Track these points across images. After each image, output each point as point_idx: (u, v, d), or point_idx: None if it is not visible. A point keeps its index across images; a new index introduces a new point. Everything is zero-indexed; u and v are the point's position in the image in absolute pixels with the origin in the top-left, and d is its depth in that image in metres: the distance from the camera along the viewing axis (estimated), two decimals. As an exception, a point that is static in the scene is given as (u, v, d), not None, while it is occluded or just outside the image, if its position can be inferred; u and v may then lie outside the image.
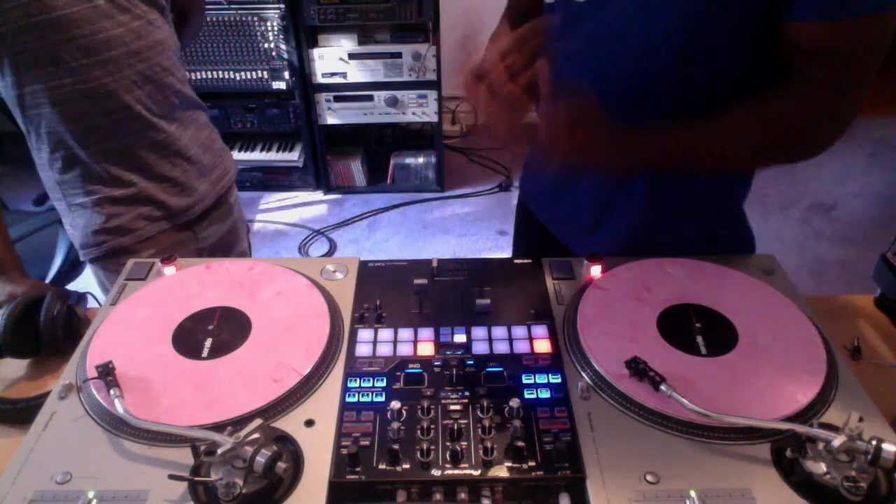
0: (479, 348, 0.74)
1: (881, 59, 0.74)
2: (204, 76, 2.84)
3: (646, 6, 0.78)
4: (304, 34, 2.72)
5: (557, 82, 0.92)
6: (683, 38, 0.78)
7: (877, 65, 0.74)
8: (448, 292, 0.83)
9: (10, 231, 1.10)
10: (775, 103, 0.78)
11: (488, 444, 0.61)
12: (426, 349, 0.74)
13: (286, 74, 2.84)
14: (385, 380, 0.70)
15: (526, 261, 0.88)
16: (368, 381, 0.70)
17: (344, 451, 0.61)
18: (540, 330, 0.76)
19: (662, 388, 0.65)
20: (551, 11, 0.90)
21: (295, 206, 3.16)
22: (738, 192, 0.97)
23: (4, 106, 1.07)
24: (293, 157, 3.07)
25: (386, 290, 0.83)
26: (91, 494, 0.58)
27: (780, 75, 0.83)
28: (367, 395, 0.68)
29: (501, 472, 0.60)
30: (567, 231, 1.06)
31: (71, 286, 1.14)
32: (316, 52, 2.77)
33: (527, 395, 0.67)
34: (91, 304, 0.95)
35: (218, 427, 0.61)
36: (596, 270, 0.85)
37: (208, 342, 0.75)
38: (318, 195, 3.22)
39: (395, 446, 0.61)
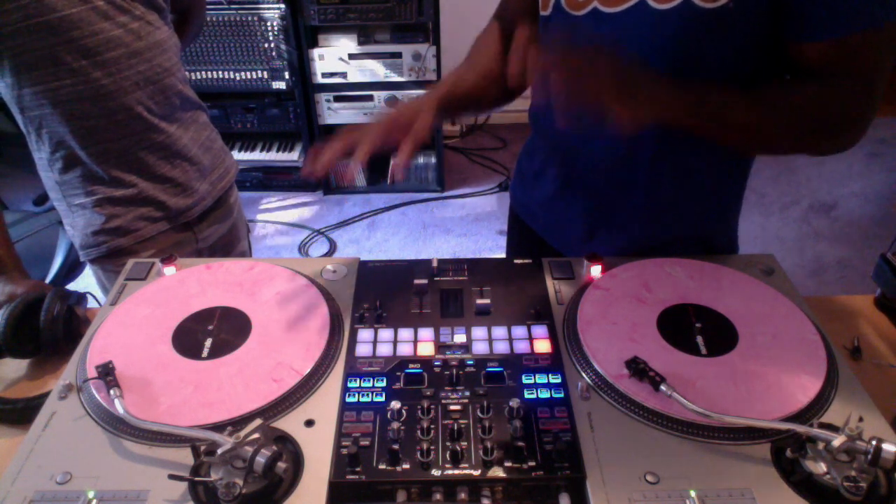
0: (479, 348, 0.74)
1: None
2: (204, 76, 2.84)
3: (645, 22, 0.77)
4: (304, 34, 2.72)
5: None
6: (682, 54, 0.77)
7: (892, 66, 0.75)
8: (448, 292, 0.83)
9: (10, 231, 1.10)
10: (813, 89, 0.76)
11: (488, 444, 0.61)
12: (426, 349, 0.74)
13: (286, 74, 2.84)
14: (385, 380, 0.70)
15: (526, 261, 0.88)
16: (368, 381, 0.70)
17: (344, 451, 0.61)
18: (540, 330, 0.76)
19: (662, 388, 0.65)
20: (547, 24, 0.89)
21: (295, 206, 3.16)
22: (733, 192, 0.97)
23: (4, 106, 1.07)
24: (293, 157, 3.07)
25: (386, 290, 0.83)
26: (91, 494, 0.58)
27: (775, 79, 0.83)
28: (367, 395, 0.68)
29: (501, 472, 0.60)
30: (560, 240, 1.05)
31: (71, 286, 1.14)
32: (316, 52, 2.77)
33: (527, 395, 0.67)
34: (91, 304, 0.95)
35: (218, 427, 0.61)
36: (596, 270, 0.85)
37: (208, 342, 0.75)
38: (318, 195, 3.22)
39: (395, 446, 0.61)
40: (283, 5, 2.67)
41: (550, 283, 0.85)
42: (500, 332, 0.76)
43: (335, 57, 2.78)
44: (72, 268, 1.81)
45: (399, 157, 0.75)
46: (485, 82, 0.97)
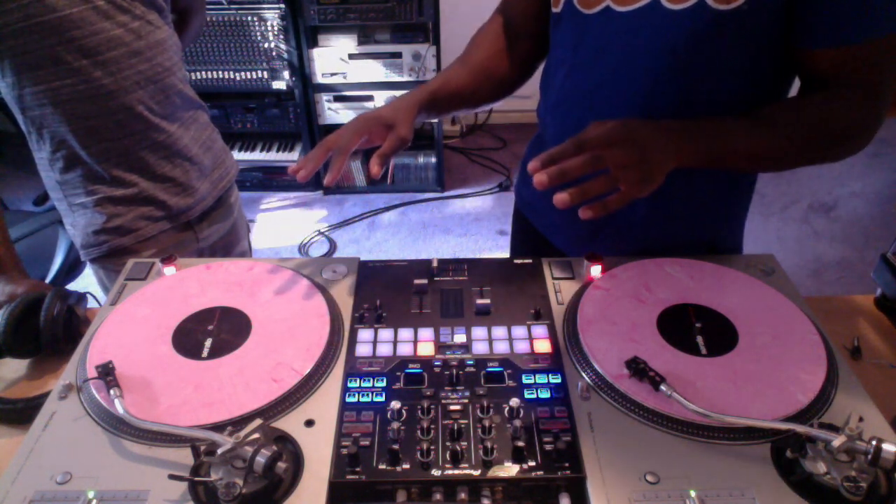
0: (479, 348, 0.74)
1: None
2: (204, 76, 2.84)
3: (657, 22, 0.77)
4: (304, 34, 2.72)
5: (563, 95, 0.92)
6: (693, 55, 0.77)
7: None
8: (448, 292, 0.83)
9: (10, 231, 1.10)
10: (819, 104, 0.77)
11: (488, 444, 0.61)
12: (426, 349, 0.74)
13: (286, 74, 2.84)
14: (385, 380, 0.70)
15: (526, 260, 0.88)
16: (368, 381, 0.70)
17: (344, 451, 0.61)
18: (540, 330, 0.76)
19: (662, 388, 0.65)
20: (558, 21, 0.89)
21: (295, 206, 3.16)
22: (740, 200, 0.97)
23: (4, 106, 1.07)
24: (293, 157, 3.07)
25: (386, 290, 0.83)
26: (91, 494, 0.58)
27: (784, 82, 0.83)
28: (367, 395, 0.68)
29: (501, 472, 0.60)
30: (564, 239, 1.05)
31: (71, 286, 1.14)
32: (316, 52, 2.77)
33: (527, 395, 0.67)
34: (91, 304, 0.95)
35: (218, 427, 0.61)
36: (596, 270, 0.85)
37: (208, 342, 0.75)
38: (318, 195, 3.22)
39: (395, 446, 0.61)
40: (283, 5, 2.67)
41: (550, 283, 0.85)
42: (500, 332, 0.76)
43: (335, 57, 2.78)
44: (72, 268, 1.81)
45: (372, 166, 0.80)
46: (477, 79, 0.97)
